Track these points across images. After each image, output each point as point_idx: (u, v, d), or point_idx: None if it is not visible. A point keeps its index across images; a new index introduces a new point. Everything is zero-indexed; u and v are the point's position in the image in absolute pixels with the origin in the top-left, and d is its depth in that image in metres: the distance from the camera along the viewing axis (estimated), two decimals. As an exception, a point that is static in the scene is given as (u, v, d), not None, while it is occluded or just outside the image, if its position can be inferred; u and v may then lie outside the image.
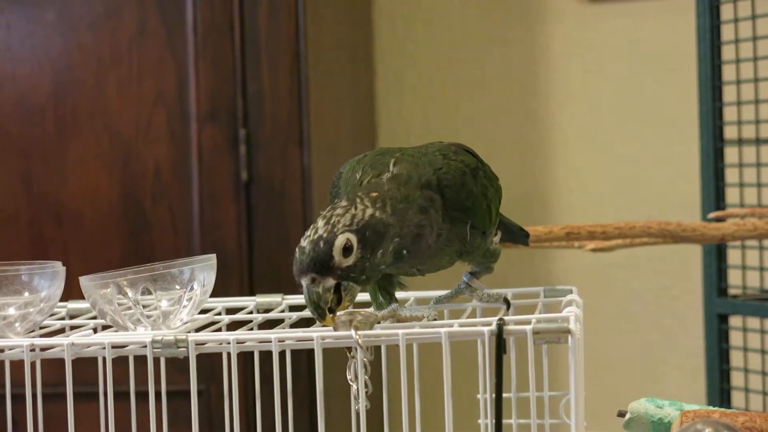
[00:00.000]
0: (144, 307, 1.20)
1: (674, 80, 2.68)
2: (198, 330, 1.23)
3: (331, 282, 1.11)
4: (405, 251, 1.15)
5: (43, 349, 1.13)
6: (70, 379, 1.12)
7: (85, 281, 1.19)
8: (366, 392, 1.14)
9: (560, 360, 1.11)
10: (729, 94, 2.20)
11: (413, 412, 1.10)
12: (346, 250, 1.11)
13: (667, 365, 2.72)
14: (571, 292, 1.33)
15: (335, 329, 1.11)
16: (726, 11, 2.17)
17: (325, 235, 1.11)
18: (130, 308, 1.19)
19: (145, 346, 1.11)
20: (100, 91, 2.29)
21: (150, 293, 1.19)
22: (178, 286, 1.20)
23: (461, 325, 1.11)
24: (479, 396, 1.29)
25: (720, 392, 2.16)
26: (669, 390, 2.68)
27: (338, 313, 1.13)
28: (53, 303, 1.23)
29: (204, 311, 1.33)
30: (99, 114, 2.29)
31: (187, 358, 1.10)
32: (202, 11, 2.26)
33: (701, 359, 2.26)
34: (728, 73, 2.19)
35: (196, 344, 1.11)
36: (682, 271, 2.64)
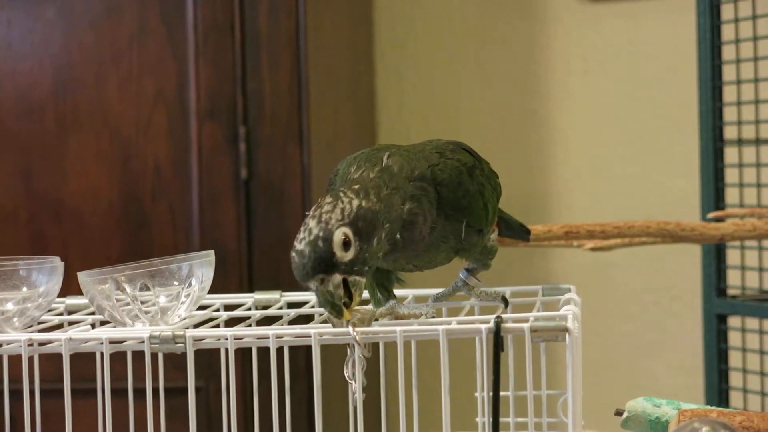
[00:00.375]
0: (142, 302, 1.20)
1: (674, 80, 2.68)
2: (196, 326, 1.23)
3: (338, 278, 1.11)
4: (399, 237, 1.15)
5: (41, 344, 1.14)
6: (68, 374, 1.12)
7: (83, 277, 1.20)
8: (363, 388, 1.14)
9: (559, 358, 1.11)
10: (729, 94, 2.20)
11: (411, 409, 1.10)
12: (345, 244, 1.11)
13: (666, 365, 2.72)
14: (569, 290, 1.33)
15: (333, 326, 1.11)
16: (726, 11, 2.17)
17: (321, 234, 1.10)
18: (128, 304, 1.19)
19: (143, 342, 1.11)
20: (101, 88, 2.29)
21: (148, 289, 1.19)
22: (176, 282, 1.20)
23: (459, 323, 1.11)
24: (477, 394, 1.29)
25: (718, 392, 2.16)
26: (667, 390, 2.68)
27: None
28: (51, 298, 1.23)
29: (202, 308, 1.33)
30: (99, 111, 2.29)
31: (185, 355, 1.11)
32: (203, 10, 2.26)
33: (700, 359, 2.26)
34: (728, 73, 2.19)
35: (194, 340, 1.11)
36: (681, 271, 2.64)
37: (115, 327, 1.21)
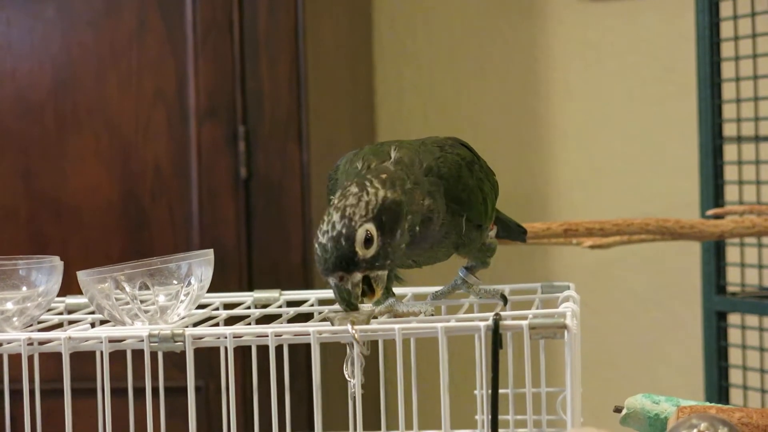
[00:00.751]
0: (141, 302, 1.20)
1: (673, 77, 2.68)
2: (195, 325, 1.23)
3: (358, 276, 1.11)
4: (417, 229, 1.16)
5: (40, 343, 1.14)
6: (68, 373, 1.12)
7: (82, 276, 1.20)
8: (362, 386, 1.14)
9: (559, 356, 1.11)
10: (728, 91, 2.20)
11: (410, 407, 1.10)
12: (368, 241, 1.11)
13: (666, 362, 2.72)
14: (568, 288, 1.33)
15: (332, 324, 1.11)
16: (725, 8, 2.18)
17: (344, 231, 1.10)
18: (127, 303, 1.19)
19: (142, 341, 1.11)
20: (100, 87, 2.29)
21: (147, 288, 1.20)
22: (175, 281, 1.20)
23: (458, 321, 1.11)
24: (476, 392, 1.29)
25: (718, 389, 2.16)
26: (667, 387, 2.68)
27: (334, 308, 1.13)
28: (51, 298, 1.24)
29: (201, 306, 1.33)
30: (99, 111, 2.29)
31: (185, 354, 1.11)
32: (202, 8, 2.26)
33: (700, 356, 2.26)
34: (727, 70, 2.19)
35: (193, 338, 1.11)
36: (681, 268, 2.64)
37: (114, 326, 1.22)
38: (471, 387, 1.31)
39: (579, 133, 2.78)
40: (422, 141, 1.24)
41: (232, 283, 2.23)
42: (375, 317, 1.19)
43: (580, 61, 2.76)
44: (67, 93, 2.30)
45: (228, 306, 1.39)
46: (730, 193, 2.19)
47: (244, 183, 2.27)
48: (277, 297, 1.41)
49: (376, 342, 1.32)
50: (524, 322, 1.07)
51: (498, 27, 2.81)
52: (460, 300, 1.32)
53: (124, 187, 2.29)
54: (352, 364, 1.12)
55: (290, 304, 1.41)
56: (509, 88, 2.81)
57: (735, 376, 2.19)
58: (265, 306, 1.40)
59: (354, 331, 1.08)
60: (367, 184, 1.13)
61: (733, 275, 2.21)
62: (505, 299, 1.26)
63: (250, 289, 2.23)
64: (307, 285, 2.24)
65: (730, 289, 2.20)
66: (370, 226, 1.11)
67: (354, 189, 1.13)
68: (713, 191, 2.16)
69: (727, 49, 2.18)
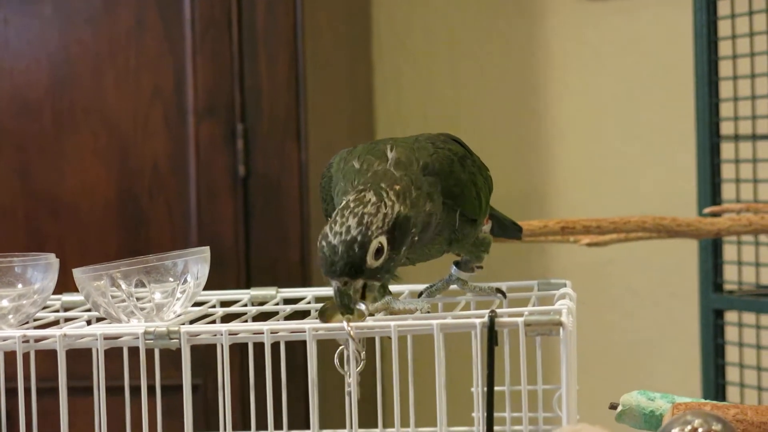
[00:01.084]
0: (137, 299, 1.20)
1: (671, 76, 2.68)
2: (192, 322, 1.23)
3: (360, 283, 1.12)
4: (416, 238, 1.16)
5: (36, 341, 1.14)
6: (63, 370, 1.12)
7: (78, 273, 1.20)
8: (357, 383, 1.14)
9: (555, 354, 1.11)
10: (725, 90, 2.20)
11: (407, 404, 1.10)
12: (378, 252, 1.11)
13: (663, 360, 2.72)
14: (564, 285, 1.33)
15: (322, 322, 1.11)
16: (723, 7, 2.17)
17: (359, 238, 1.10)
18: (123, 300, 1.19)
19: (138, 338, 1.11)
20: (98, 85, 2.29)
21: (143, 285, 1.20)
22: (171, 279, 1.20)
23: (454, 318, 1.11)
24: (473, 389, 1.29)
25: (715, 387, 2.16)
26: (664, 385, 2.68)
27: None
28: (46, 295, 1.24)
29: (198, 304, 1.33)
30: (96, 108, 2.29)
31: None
32: (200, 6, 2.26)
33: (697, 354, 2.26)
34: (725, 69, 2.19)
35: (189, 336, 1.11)
36: (678, 266, 2.64)
37: (110, 323, 1.22)
38: (467, 384, 1.31)
39: (576, 130, 2.78)
40: (416, 138, 1.24)
41: (230, 281, 2.23)
42: (371, 314, 1.19)
43: (578, 60, 2.76)
44: (65, 91, 2.30)
45: (225, 303, 1.39)
46: (728, 191, 2.19)
47: (243, 181, 2.27)
48: (274, 294, 1.41)
49: (373, 339, 1.32)
50: (520, 319, 1.07)
51: (496, 26, 2.81)
52: (457, 297, 1.32)
53: (122, 185, 2.29)
54: (347, 359, 1.12)
55: (287, 301, 1.41)
56: (508, 86, 2.81)
57: (732, 374, 2.19)
58: (261, 303, 1.40)
59: (350, 329, 1.08)
60: (384, 195, 1.13)
61: (730, 273, 2.21)
62: (503, 294, 1.27)
63: (248, 287, 2.23)
64: (305, 283, 2.24)
65: (727, 287, 2.20)
66: (383, 240, 1.11)
67: (372, 197, 1.13)
68: (710, 189, 2.16)
69: (724, 48, 2.18)
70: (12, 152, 2.30)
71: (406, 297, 1.34)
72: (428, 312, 1.20)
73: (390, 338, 1.09)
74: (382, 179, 1.16)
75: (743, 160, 2.19)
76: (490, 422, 1.08)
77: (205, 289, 1.27)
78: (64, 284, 1.31)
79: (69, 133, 2.29)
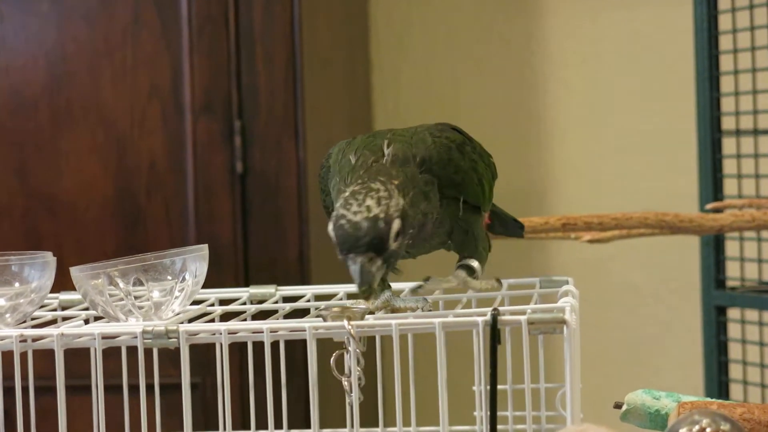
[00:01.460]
0: (135, 297, 1.19)
1: (671, 71, 2.67)
2: (190, 321, 1.22)
3: (380, 263, 1.10)
4: (409, 241, 1.15)
5: (33, 340, 1.13)
6: (61, 369, 1.11)
7: (76, 272, 1.19)
8: (360, 384, 1.13)
9: (558, 352, 1.10)
10: (726, 84, 2.19)
11: (408, 403, 1.09)
12: (397, 234, 1.10)
13: (665, 357, 2.71)
14: (567, 282, 1.32)
15: (324, 320, 1.10)
16: (723, 1, 2.17)
17: (382, 215, 1.09)
18: (121, 299, 1.18)
19: (136, 337, 1.10)
20: (95, 83, 2.28)
21: (141, 284, 1.19)
22: (169, 277, 1.19)
23: (456, 316, 1.10)
24: (475, 388, 1.28)
25: (718, 384, 2.15)
26: (667, 382, 2.67)
27: (332, 304, 1.12)
28: (44, 294, 1.23)
29: (197, 302, 1.32)
30: (93, 106, 2.28)
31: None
32: (197, 3, 2.25)
33: (699, 351, 2.25)
34: (726, 63, 2.18)
35: (188, 335, 1.10)
36: (680, 262, 2.64)
37: (108, 322, 1.21)
38: (469, 383, 1.30)
39: (577, 127, 2.77)
40: (414, 129, 1.24)
41: (228, 279, 2.22)
42: (372, 313, 1.18)
43: (578, 56, 2.75)
44: (62, 88, 2.28)
45: (223, 302, 1.38)
46: (729, 186, 2.18)
47: (240, 178, 2.26)
48: (273, 293, 1.40)
49: (374, 338, 1.30)
50: (523, 317, 1.06)
51: (495, 21, 2.80)
52: (458, 295, 1.30)
53: (119, 182, 2.28)
54: (335, 361, 1.11)
55: (286, 299, 1.40)
56: (507, 82, 2.80)
57: (735, 371, 2.18)
58: (261, 302, 1.39)
59: (350, 327, 1.07)
60: (390, 186, 1.12)
61: (732, 269, 2.20)
62: (498, 281, 1.26)
63: (247, 285, 2.22)
64: (304, 281, 2.23)
65: (730, 283, 2.19)
66: (400, 222, 1.10)
67: (380, 188, 1.12)
68: (712, 185, 2.15)
69: (725, 42, 2.17)
70: (8, 150, 2.29)
71: (407, 295, 1.33)
72: (429, 310, 1.19)
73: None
74: (378, 175, 1.14)
75: (745, 155, 2.18)
76: (493, 421, 1.07)
77: (203, 287, 1.26)
78: (62, 283, 1.30)
79: (66, 131, 2.28)
